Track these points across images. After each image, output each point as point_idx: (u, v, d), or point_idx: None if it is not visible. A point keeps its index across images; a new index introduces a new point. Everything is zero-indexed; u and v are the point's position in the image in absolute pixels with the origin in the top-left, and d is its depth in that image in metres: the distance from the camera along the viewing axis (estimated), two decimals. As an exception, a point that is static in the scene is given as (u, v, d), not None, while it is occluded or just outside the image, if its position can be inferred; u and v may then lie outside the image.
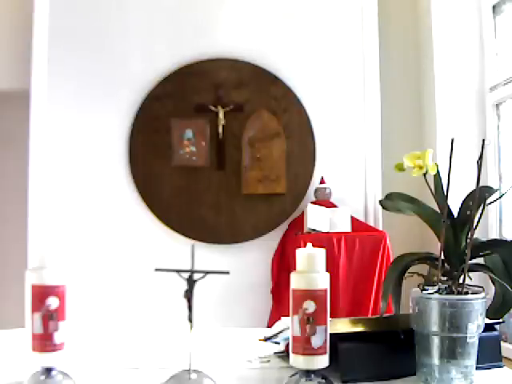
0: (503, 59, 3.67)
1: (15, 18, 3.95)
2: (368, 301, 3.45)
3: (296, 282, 1.06)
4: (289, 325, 1.07)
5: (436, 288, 1.11)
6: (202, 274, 1.04)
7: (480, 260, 1.15)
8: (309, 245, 1.10)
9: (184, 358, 1.05)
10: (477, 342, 1.09)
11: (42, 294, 1.05)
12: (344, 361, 1.13)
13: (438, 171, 1.15)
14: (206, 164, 3.88)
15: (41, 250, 1.09)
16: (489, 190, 1.19)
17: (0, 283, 4.00)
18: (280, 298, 3.69)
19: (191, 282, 1.04)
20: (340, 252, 3.46)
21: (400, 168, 1.16)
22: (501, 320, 1.18)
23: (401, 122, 4.12)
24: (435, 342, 1.08)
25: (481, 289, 1.11)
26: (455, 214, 1.17)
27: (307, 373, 1.04)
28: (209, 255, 3.57)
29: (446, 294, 1.09)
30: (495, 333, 1.24)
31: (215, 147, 3.88)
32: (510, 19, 3.59)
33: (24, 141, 3.80)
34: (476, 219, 1.11)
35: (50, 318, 1.05)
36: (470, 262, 1.10)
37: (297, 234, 3.60)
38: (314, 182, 3.92)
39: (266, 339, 1.49)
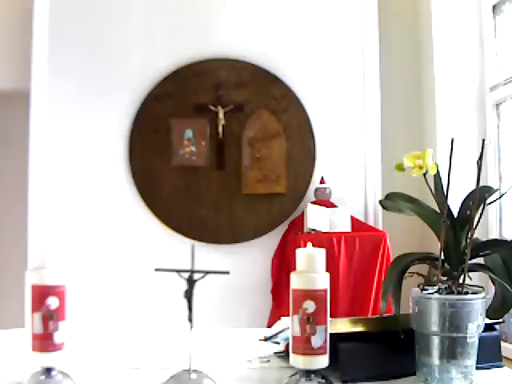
0: (503, 59, 3.67)
1: (15, 18, 3.94)
2: (368, 301, 3.45)
3: (296, 281, 1.06)
4: (289, 325, 1.07)
5: (436, 288, 1.11)
6: (201, 274, 1.04)
7: (480, 260, 1.15)
8: (309, 245, 1.09)
9: (184, 358, 1.05)
10: (477, 341, 1.09)
11: (42, 293, 1.05)
12: (344, 361, 1.13)
13: (438, 171, 1.15)
14: (206, 164, 3.88)
15: (41, 250, 1.09)
16: (489, 190, 1.18)
17: (0, 283, 4.00)
18: (280, 298, 3.68)
19: (191, 282, 1.04)
20: (340, 252, 3.46)
21: (400, 168, 1.16)
22: (501, 320, 1.18)
23: (401, 121, 4.12)
24: (435, 342, 1.08)
25: (481, 289, 1.11)
26: (455, 214, 1.17)
27: (307, 373, 1.04)
28: (209, 255, 3.56)
29: (446, 293, 1.09)
30: (495, 333, 1.24)
31: (215, 147, 3.88)
32: (510, 19, 3.59)
33: (24, 141, 3.79)
34: (476, 219, 1.11)
35: (50, 317, 1.05)
36: (470, 261, 1.10)
37: (297, 234, 3.60)
38: (314, 182, 3.92)
39: (266, 339, 1.49)
